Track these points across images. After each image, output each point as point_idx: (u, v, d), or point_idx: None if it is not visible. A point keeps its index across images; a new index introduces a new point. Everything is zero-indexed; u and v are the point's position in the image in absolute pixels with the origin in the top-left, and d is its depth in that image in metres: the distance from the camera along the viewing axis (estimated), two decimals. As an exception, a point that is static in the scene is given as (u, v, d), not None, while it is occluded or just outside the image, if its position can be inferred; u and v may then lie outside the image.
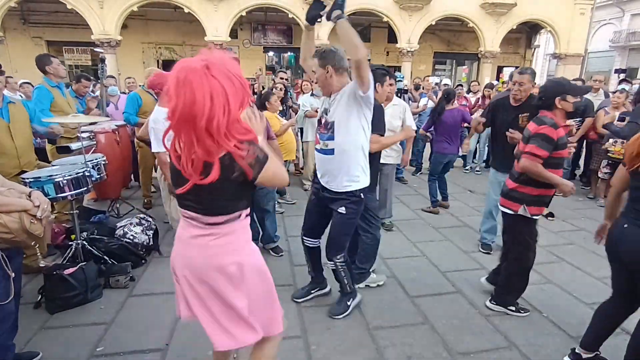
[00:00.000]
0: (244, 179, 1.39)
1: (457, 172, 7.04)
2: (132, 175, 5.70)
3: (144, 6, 13.44)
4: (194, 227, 1.49)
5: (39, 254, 2.26)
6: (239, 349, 2.36)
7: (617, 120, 5.11)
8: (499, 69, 17.90)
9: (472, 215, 4.94)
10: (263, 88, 7.13)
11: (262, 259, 1.62)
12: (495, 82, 8.78)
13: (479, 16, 14.89)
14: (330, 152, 2.44)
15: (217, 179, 1.32)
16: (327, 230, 2.73)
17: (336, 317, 2.74)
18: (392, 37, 15.02)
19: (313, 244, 2.84)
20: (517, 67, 17.90)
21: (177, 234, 1.59)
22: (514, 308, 2.82)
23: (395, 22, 14.52)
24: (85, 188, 3.11)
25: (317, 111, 4.65)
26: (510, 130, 3.36)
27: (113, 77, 7.62)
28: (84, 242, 3.24)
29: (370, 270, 3.21)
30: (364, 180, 2.53)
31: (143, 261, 3.50)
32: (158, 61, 15.90)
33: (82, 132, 3.73)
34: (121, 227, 3.66)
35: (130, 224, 3.69)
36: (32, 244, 1.97)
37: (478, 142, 7.34)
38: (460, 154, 6.28)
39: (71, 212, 3.20)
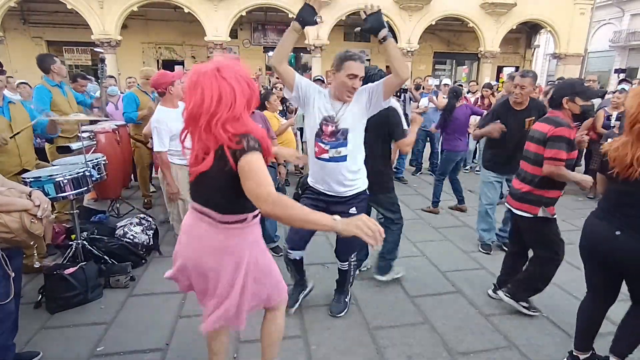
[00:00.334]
0: (236, 173, 1.41)
1: (457, 172, 7.03)
2: (132, 175, 5.71)
3: (144, 6, 13.44)
4: (202, 220, 1.58)
5: (35, 254, 2.26)
6: (239, 350, 2.38)
7: (615, 120, 5.12)
8: (499, 69, 17.91)
9: (472, 215, 4.93)
10: (263, 88, 7.14)
11: (262, 261, 1.67)
12: (494, 83, 8.78)
13: (479, 16, 14.89)
14: (343, 158, 2.40)
15: (210, 169, 1.41)
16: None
17: (338, 315, 2.75)
18: (392, 37, 15.00)
19: (300, 256, 2.73)
20: (517, 67, 17.97)
21: (182, 226, 1.69)
22: (526, 305, 2.80)
23: (395, 22, 14.52)
24: (86, 188, 3.11)
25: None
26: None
27: (113, 77, 7.63)
28: (84, 241, 3.24)
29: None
30: (365, 178, 2.57)
31: (143, 261, 3.50)
32: (158, 61, 15.90)
33: (83, 131, 3.74)
34: (121, 227, 3.66)
35: (131, 223, 3.69)
36: (32, 243, 1.97)
37: (478, 142, 7.34)
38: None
39: (71, 211, 3.20)
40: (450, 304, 2.99)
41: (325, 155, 2.40)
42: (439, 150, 7.17)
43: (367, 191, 2.60)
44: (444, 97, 6.87)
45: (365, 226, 1.29)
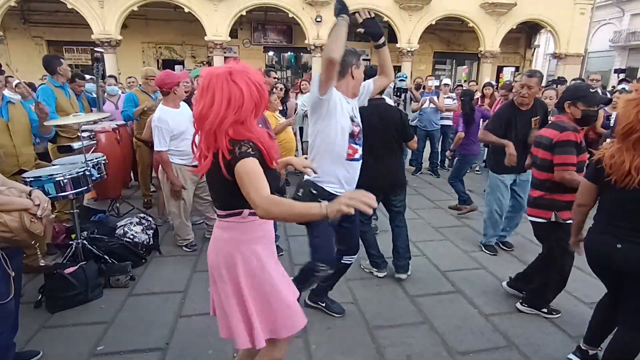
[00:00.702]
0: (233, 179, 1.41)
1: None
2: (132, 175, 5.71)
3: (144, 6, 13.42)
4: (218, 220, 1.62)
5: (39, 253, 2.26)
6: (238, 350, 2.38)
7: (615, 120, 5.11)
8: (499, 69, 17.89)
9: (472, 215, 4.94)
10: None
11: (262, 261, 1.59)
12: (493, 83, 8.75)
13: (479, 16, 14.87)
14: (361, 157, 2.44)
15: (210, 169, 1.45)
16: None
17: (339, 314, 2.76)
18: (392, 37, 14.99)
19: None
20: (517, 67, 17.96)
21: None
22: (546, 310, 2.81)
23: (395, 22, 14.51)
24: (86, 187, 3.11)
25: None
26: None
27: (114, 76, 7.62)
28: (84, 241, 3.24)
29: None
30: None
31: (143, 260, 3.50)
32: (158, 61, 15.89)
33: (83, 131, 3.74)
34: (121, 226, 3.67)
35: (131, 223, 3.70)
36: (33, 243, 1.97)
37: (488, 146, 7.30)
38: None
39: (71, 211, 3.20)
40: (450, 303, 2.99)
41: (357, 156, 2.40)
42: (439, 150, 7.20)
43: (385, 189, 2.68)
44: (444, 98, 6.87)
45: (350, 199, 1.27)
